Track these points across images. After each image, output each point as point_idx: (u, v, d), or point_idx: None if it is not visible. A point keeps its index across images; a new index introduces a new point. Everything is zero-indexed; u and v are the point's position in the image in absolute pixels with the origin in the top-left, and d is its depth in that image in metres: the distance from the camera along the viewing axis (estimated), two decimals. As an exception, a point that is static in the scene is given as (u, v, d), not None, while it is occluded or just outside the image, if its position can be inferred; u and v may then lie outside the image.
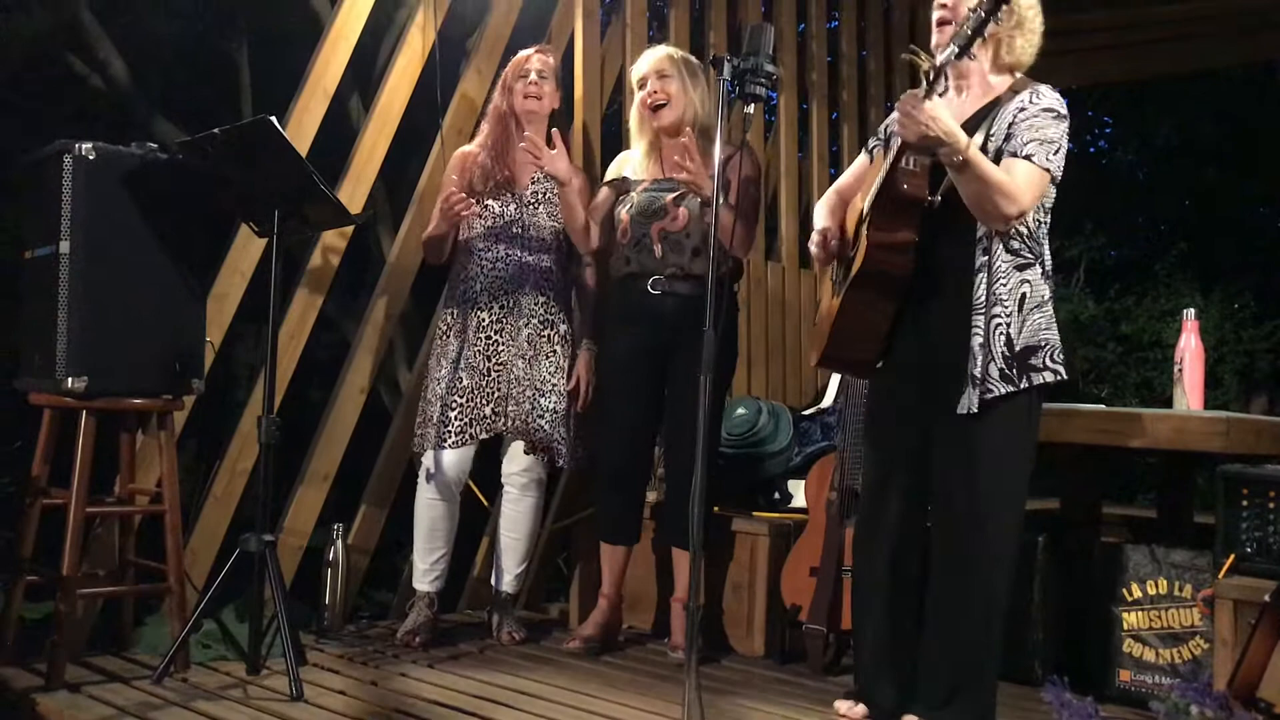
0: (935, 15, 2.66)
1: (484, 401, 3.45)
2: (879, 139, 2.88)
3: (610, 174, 3.62)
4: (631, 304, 3.45)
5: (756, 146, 4.97)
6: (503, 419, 3.46)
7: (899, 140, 2.49)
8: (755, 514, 3.74)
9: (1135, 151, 10.43)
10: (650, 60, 3.50)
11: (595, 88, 4.23)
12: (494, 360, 3.47)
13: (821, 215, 2.91)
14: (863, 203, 2.69)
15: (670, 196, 3.39)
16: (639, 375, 3.44)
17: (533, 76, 3.56)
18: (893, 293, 2.61)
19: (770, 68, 2.64)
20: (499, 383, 3.47)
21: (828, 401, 3.98)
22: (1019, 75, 2.66)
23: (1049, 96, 2.55)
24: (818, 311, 3.00)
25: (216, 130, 2.93)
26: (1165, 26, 6.31)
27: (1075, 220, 8.01)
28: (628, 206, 3.44)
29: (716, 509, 3.64)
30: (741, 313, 4.25)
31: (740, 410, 3.96)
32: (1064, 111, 2.56)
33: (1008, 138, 2.51)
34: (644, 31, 4.46)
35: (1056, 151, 2.50)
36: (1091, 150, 10.32)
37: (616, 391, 3.48)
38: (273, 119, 2.88)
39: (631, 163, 3.58)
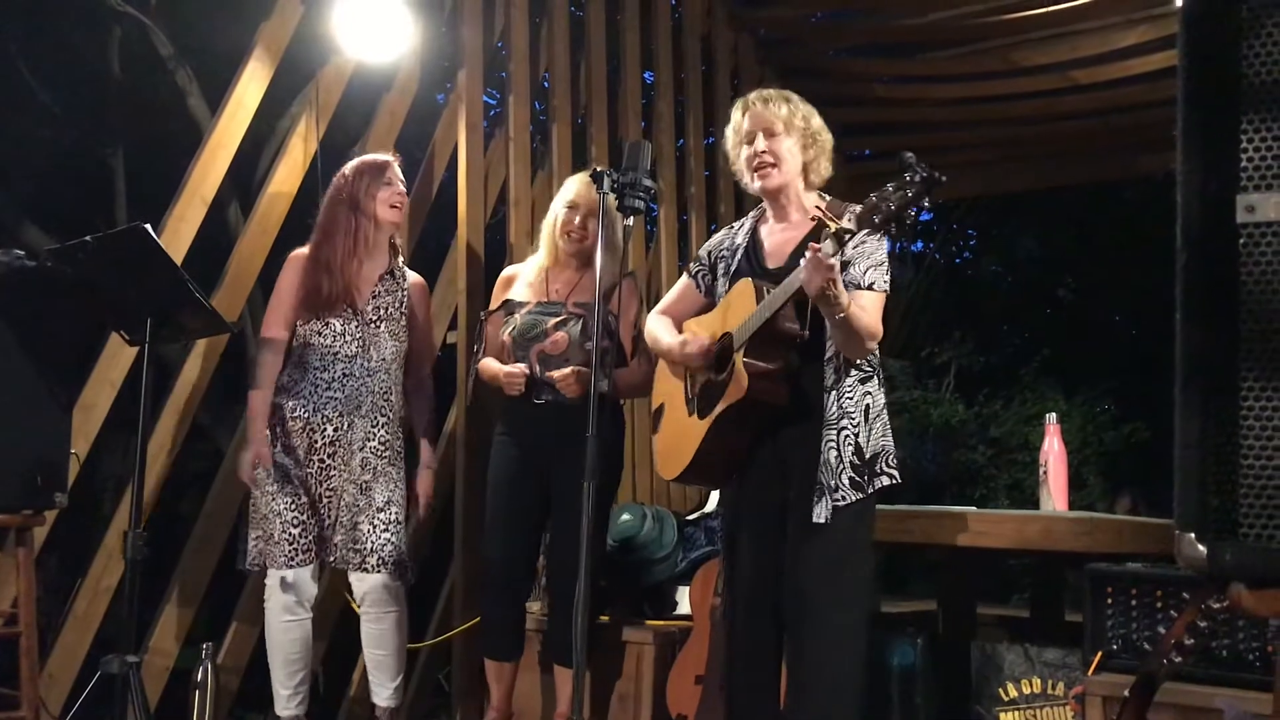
0: (755, 160, 2.76)
1: (316, 524, 3.32)
2: (702, 264, 2.98)
3: (497, 298, 3.59)
4: (515, 414, 3.44)
5: (638, 256, 5.07)
6: (328, 546, 3.33)
7: (805, 276, 2.46)
8: (641, 622, 3.71)
9: (999, 262, 10.90)
10: (586, 191, 3.44)
11: (479, 199, 4.28)
12: (325, 485, 3.33)
13: (668, 331, 2.96)
14: (709, 329, 2.80)
15: (551, 321, 3.42)
16: (522, 487, 3.41)
17: (398, 186, 3.47)
18: (762, 418, 2.69)
19: (648, 182, 2.72)
20: (329, 509, 3.33)
21: (711, 506, 4.00)
22: (828, 197, 2.83)
23: None
24: (660, 422, 2.98)
25: (89, 238, 2.88)
26: (1024, 146, 6.70)
27: (944, 328, 8.30)
28: (510, 329, 3.45)
29: (605, 618, 3.60)
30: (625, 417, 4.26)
31: (625, 516, 3.95)
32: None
33: (845, 264, 2.62)
34: (527, 144, 4.54)
35: (887, 270, 2.70)
36: (958, 261, 10.75)
37: (500, 504, 3.45)
38: (147, 227, 2.84)
39: (521, 280, 3.57)
